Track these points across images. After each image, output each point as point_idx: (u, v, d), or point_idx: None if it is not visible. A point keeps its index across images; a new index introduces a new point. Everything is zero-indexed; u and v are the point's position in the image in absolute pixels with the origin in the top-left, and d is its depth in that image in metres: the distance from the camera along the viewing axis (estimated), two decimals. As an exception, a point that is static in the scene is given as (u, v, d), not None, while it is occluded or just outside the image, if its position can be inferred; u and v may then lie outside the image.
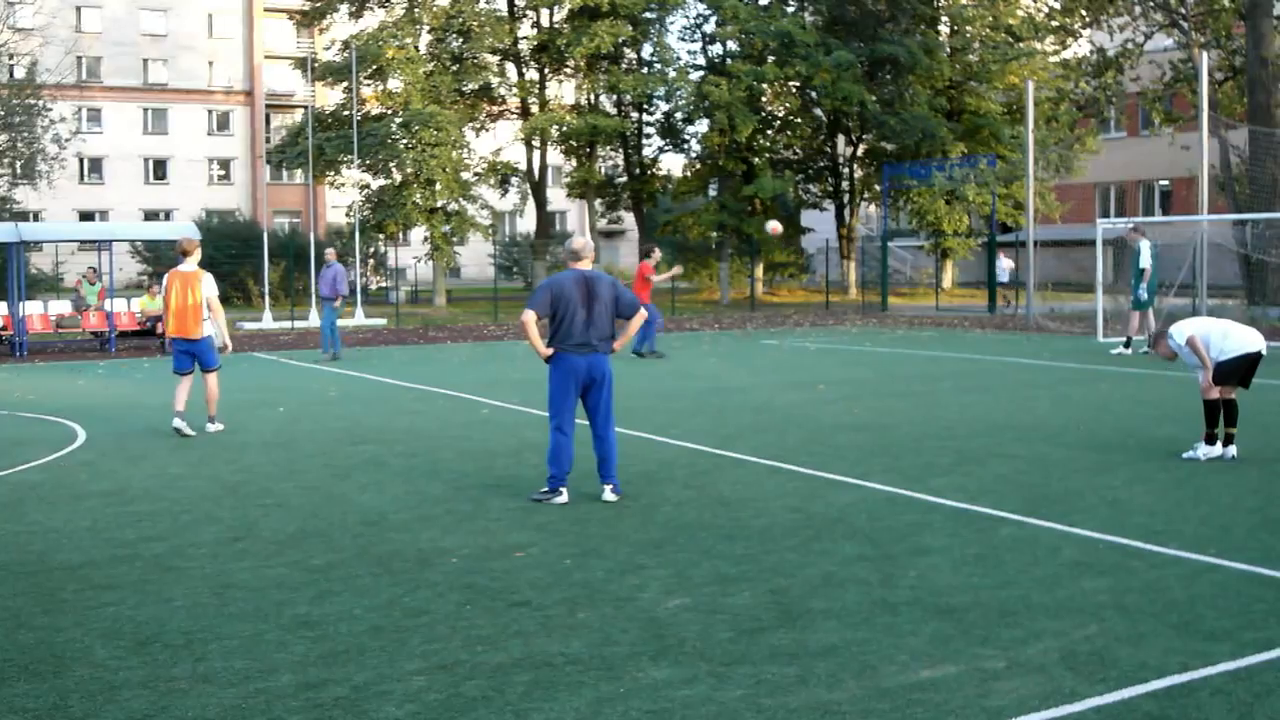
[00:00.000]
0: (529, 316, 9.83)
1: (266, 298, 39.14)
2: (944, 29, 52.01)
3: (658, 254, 24.33)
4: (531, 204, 53.20)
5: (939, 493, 10.05)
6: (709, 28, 50.36)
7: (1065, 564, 7.76)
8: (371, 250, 56.37)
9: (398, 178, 47.06)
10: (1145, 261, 22.87)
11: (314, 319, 37.03)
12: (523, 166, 51.77)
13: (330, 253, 25.58)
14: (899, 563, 7.84)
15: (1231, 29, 38.64)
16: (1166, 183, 55.97)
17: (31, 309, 29.49)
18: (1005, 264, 46.79)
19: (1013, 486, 10.27)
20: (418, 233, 51.40)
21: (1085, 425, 13.78)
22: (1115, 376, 19.24)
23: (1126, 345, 23.12)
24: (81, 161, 67.33)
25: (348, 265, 56.03)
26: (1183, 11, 38.42)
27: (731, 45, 49.32)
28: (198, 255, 14.47)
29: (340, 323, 37.32)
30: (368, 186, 48.65)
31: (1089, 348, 24.84)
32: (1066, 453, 11.93)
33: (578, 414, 10.20)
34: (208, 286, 14.26)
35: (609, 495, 9.95)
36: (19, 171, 47.37)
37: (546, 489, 10.00)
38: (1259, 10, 33.10)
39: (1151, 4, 39.40)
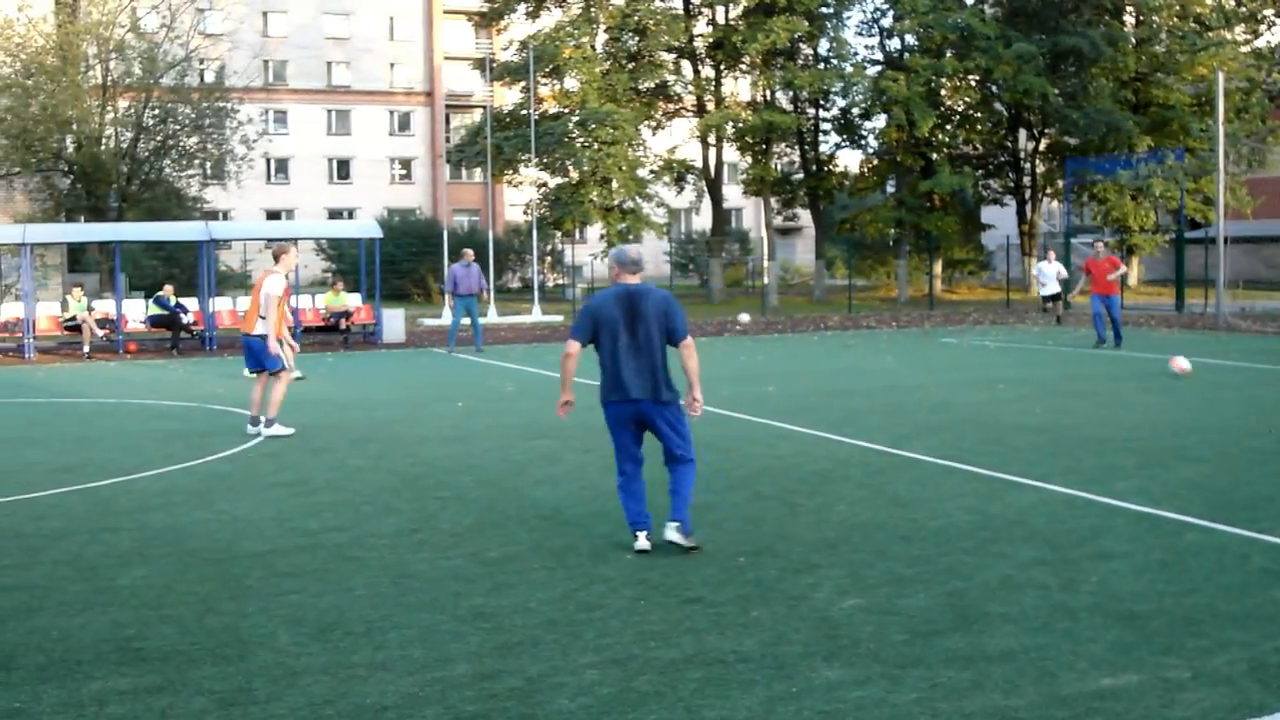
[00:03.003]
0: (570, 348, 8.40)
1: (446, 295, 39.76)
2: (1129, 19, 50.70)
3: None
4: (707, 201, 53.17)
5: (1121, 496, 9.79)
6: (886, 22, 49.82)
7: (1254, 571, 7.50)
8: (549, 248, 56.91)
9: (575, 176, 47.43)
10: None
11: (494, 316, 37.60)
12: (698, 164, 51.81)
13: (469, 253, 26.56)
14: (1079, 567, 7.65)
15: None
16: (1367, 175, 53.75)
17: (220, 305, 30.51)
18: (1051, 268, 33.37)
19: (1199, 491, 9.95)
20: (594, 230, 51.81)
21: (1276, 428, 13.31)
22: (1310, 378, 18.55)
23: None
24: (268, 162, 69.22)
25: (524, 263, 57.17)
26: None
27: (909, 39, 48.76)
28: (287, 261, 14.25)
29: (518, 319, 38.17)
30: (545, 185, 49.16)
31: (1282, 348, 24.00)
32: (1256, 456, 11.51)
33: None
34: (268, 285, 13.97)
35: (672, 534, 8.13)
36: (209, 172, 49.16)
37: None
38: None
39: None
